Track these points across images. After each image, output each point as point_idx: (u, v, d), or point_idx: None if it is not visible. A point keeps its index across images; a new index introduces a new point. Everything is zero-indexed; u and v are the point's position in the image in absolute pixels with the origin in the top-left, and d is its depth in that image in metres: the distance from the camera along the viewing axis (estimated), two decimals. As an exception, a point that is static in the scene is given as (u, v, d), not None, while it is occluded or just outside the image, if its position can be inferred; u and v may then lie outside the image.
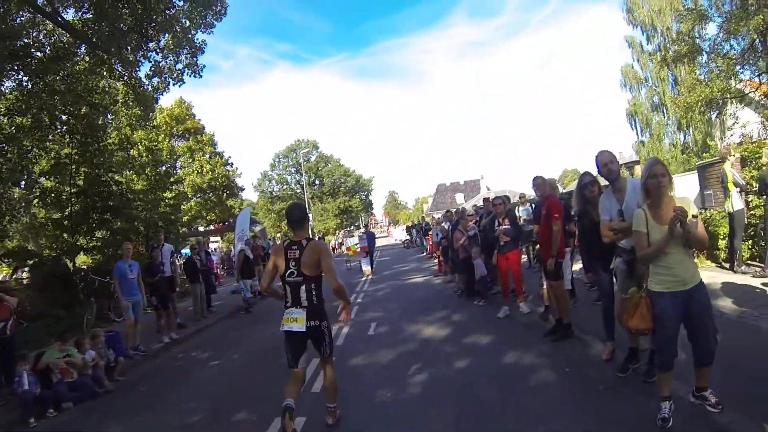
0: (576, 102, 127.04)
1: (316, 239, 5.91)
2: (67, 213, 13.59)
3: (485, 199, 9.95)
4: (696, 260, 3.71)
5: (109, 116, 15.83)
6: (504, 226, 6.88)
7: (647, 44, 27.74)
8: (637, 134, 29.32)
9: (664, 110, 27.73)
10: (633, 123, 29.36)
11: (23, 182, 13.59)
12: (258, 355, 6.95)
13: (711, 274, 7.06)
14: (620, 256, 3.98)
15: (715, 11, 12.10)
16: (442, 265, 12.88)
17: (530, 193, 12.87)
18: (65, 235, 13.71)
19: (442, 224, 12.65)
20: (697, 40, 13.55)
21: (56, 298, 11.68)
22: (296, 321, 3.66)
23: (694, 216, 2.97)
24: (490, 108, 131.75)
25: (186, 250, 16.58)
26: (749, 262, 7.37)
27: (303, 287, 3.69)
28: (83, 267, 14.66)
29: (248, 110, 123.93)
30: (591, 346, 4.91)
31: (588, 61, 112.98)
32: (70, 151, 13.37)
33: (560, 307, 5.35)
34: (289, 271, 3.72)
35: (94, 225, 13.91)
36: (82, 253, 14.79)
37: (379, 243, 40.66)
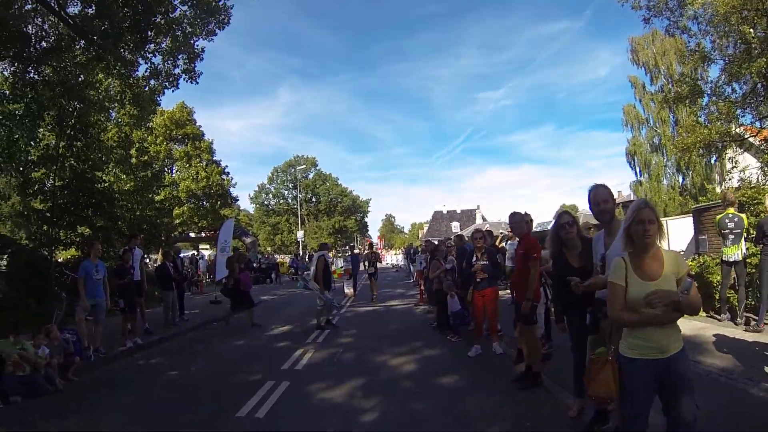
0: (577, 138, 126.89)
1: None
2: (50, 205, 13.29)
3: (475, 230, 9.38)
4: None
5: (113, 114, 15.75)
6: (482, 262, 6.52)
7: (650, 85, 27.88)
8: (636, 174, 29.27)
9: (664, 151, 27.63)
10: (632, 162, 29.32)
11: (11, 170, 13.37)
12: (214, 372, 6.69)
13: (701, 325, 6.76)
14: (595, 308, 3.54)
15: (719, 54, 11.94)
16: (423, 294, 12.50)
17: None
18: (45, 226, 13.46)
19: (427, 252, 12.15)
20: (699, 82, 13.46)
21: (30, 289, 11.34)
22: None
23: (689, 275, 2.59)
24: (493, 139, 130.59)
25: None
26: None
27: None
28: (60, 261, 14.35)
29: (251, 121, 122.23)
30: (559, 399, 4.57)
31: (591, 98, 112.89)
32: (57, 142, 13.15)
33: (530, 354, 5.00)
34: None
35: (74, 220, 13.62)
36: (65, 248, 14.53)
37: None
